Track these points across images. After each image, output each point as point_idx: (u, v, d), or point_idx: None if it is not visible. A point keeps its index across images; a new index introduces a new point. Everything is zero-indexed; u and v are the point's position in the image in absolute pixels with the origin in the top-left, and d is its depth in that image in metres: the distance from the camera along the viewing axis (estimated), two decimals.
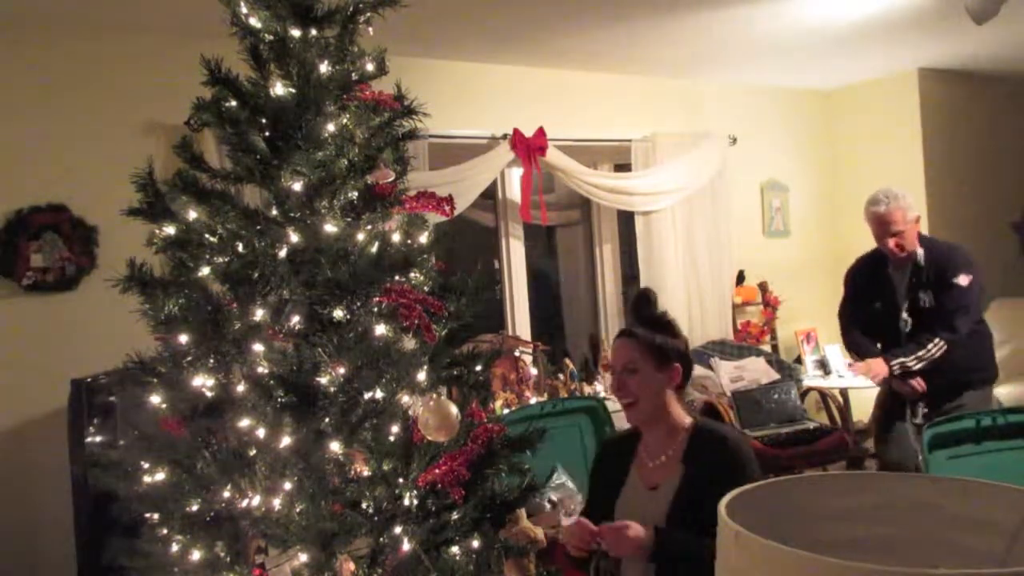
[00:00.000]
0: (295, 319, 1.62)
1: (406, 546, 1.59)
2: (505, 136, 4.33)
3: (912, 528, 1.15)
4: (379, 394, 1.62)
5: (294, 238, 1.64)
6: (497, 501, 1.74)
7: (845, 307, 3.66)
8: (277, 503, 1.58)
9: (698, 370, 4.70)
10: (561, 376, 4.49)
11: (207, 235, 1.67)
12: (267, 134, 1.66)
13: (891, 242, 3.24)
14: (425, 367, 1.71)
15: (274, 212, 1.67)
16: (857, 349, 3.59)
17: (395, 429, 1.64)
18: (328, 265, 1.61)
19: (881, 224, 3.26)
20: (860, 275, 3.55)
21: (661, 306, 2.25)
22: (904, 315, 3.31)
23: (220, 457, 1.64)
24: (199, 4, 2.76)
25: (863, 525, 1.18)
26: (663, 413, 2.13)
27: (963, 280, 3.24)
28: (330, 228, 1.65)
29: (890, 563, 1.07)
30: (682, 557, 1.87)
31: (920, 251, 3.26)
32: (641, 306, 2.25)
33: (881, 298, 3.39)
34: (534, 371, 4.38)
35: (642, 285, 4.90)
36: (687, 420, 2.16)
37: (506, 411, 3.90)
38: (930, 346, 3.24)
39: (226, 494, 1.64)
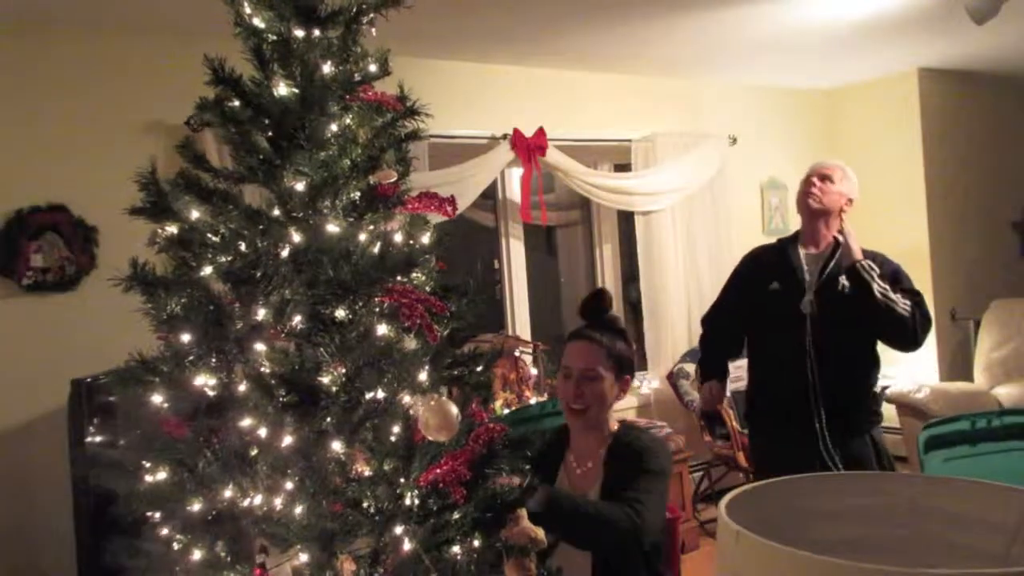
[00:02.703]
0: (297, 319, 1.62)
1: (407, 546, 1.59)
2: (505, 136, 4.34)
3: (912, 528, 1.16)
4: (381, 394, 1.62)
5: (296, 238, 1.64)
6: (498, 501, 1.74)
7: (717, 307, 3.20)
8: (278, 503, 1.58)
9: None
10: None
11: (209, 235, 1.67)
12: (270, 134, 1.66)
13: (816, 181, 2.88)
14: (427, 367, 1.71)
15: (276, 212, 1.67)
16: (706, 366, 3.21)
17: (396, 429, 1.65)
18: (330, 265, 1.61)
19: (815, 168, 2.94)
20: (759, 259, 3.08)
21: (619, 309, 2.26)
22: (808, 296, 2.84)
23: (221, 457, 1.64)
24: (200, 4, 2.77)
25: (863, 525, 1.18)
26: (602, 421, 2.12)
27: (905, 282, 2.85)
28: (332, 228, 1.65)
29: (890, 563, 1.07)
30: (570, 513, 1.90)
31: (841, 237, 2.88)
32: (600, 307, 2.19)
33: (781, 278, 2.92)
34: (534, 371, 4.38)
35: (642, 285, 4.91)
36: (614, 427, 2.15)
37: (506, 411, 3.90)
38: (899, 297, 2.77)
39: (227, 494, 1.64)
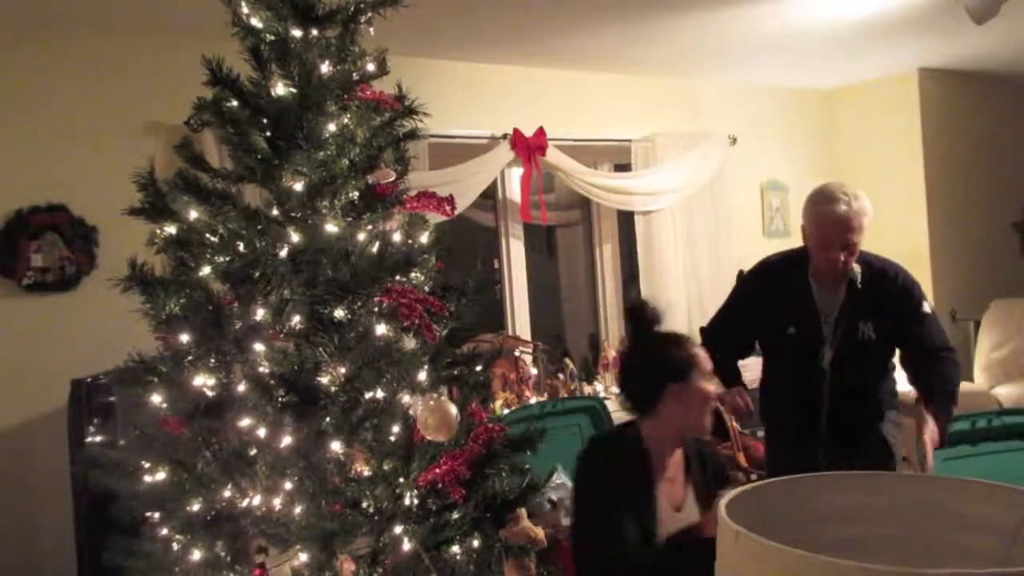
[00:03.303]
0: (296, 319, 1.63)
1: (406, 546, 1.59)
2: (505, 136, 4.33)
3: (912, 528, 1.16)
4: (380, 394, 1.62)
5: (295, 238, 1.64)
6: (498, 501, 1.74)
7: (720, 326, 2.82)
8: (278, 503, 1.58)
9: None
10: (561, 376, 4.50)
11: (208, 235, 1.67)
12: (268, 134, 1.66)
13: (842, 256, 2.47)
14: (426, 367, 1.71)
15: (275, 212, 1.67)
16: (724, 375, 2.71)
17: (396, 429, 1.65)
18: (329, 265, 1.62)
19: (838, 229, 2.46)
20: (771, 287, 2.69)
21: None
22: (827, 348, 2.55)
23: (221, 457, 1.64)
24: (200, 4, 2.77)
25: (863, 525, 1.18)
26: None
27: (928, 308, 2.61)
28: (331, 228, 1.65)
29: (890, 563, 1.07)
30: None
31: (857, 268, 2.52)
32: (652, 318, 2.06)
33: (799, 323, 2.59)
34: (534, 371, 4.38)
35: (642, 285, 4.90)
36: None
37: (506, 411, 3.90)
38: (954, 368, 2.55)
39: (227, 494, 1.64)
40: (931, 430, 2.41)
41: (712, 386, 2.02)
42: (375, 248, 1.70)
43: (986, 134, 5.66)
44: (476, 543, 1.70)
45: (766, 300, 2.67)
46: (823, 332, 2.56)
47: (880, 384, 2.67)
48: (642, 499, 1.91)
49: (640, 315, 2.05)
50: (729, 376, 2.70)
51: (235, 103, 1.66)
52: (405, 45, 3.60)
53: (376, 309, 1.66)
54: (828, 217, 2.47)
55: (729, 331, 2.78)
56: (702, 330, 2.93)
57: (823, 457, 2.58)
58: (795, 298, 2.60)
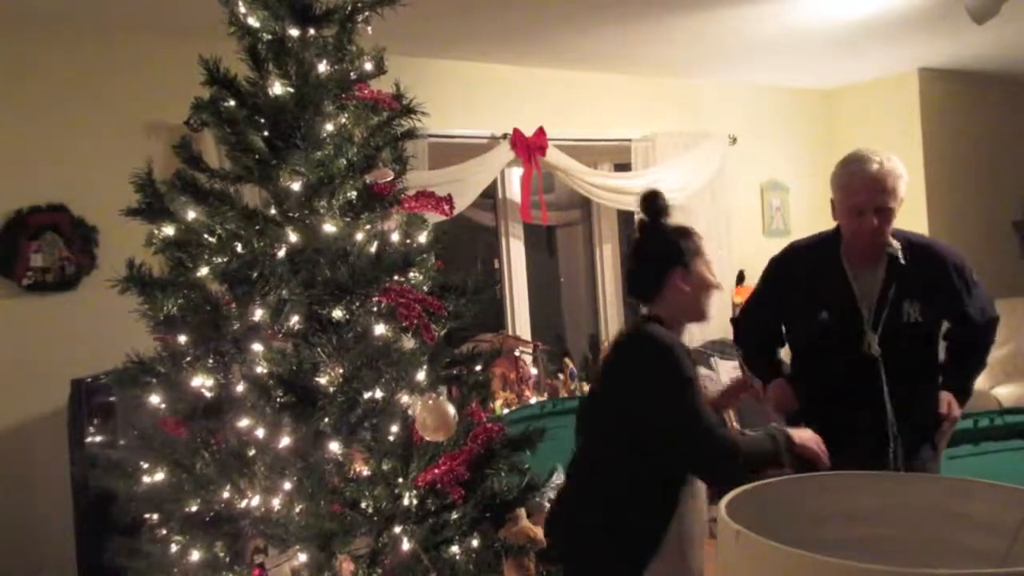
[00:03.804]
0: (294, 319, 1.62)
1: (406, 546, 1.59)
2: (505, 136, 4.33)
3: (912, 528, 1.15)
4: (378, 394, 1.62)
5: (293, 238, 1.64)
6: (497, 501, 1.73)
7: (748, 313, 2.64)
8: (276, 503, 1.58)
9: (698, 370, 4.69)
10: (561, 376, 4.50)
11: (206, 235, 1.67)
12: (266, 134, 1.66)
13: (874, 220, 2.25)
14: (424, 367, 1.71)
15: (273, 212, 1.67)
16: (759, 371, 2.56)
17: (394, 429, 1.64)
18: (327, 265, 1.61)
19: (869, 189, 2.24)
20: (801, 270, 2.46)
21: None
22: (871, 334, 2.30)
23: (219, 457, 1.64)
24: (198, 4, 2.76)
25: (864, 525, 1.18)
26: None
27: (978, 277, 2.42)
28: (329, 228, 1.65)
29: (891, 563, 1.07)
30: None
31: (896, 244, 2.30)
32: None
33: (831, 305, 2.34)
34: (534, 371, 4.38)
35: None
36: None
37: (506, 411, 3.89)
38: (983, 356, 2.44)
39: (225, 494, 1.64)
40: (951, 407, 2.30)
41: (712, 276, 2.10)
42: (373, 248, 1.70)
43: (986, 134, 5.66)
44: (475, 543, 1.69)
45: (795, 285, 2.45)
46: (863, 314, 2.31)
47: (934, 374, 2.42)
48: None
49: (654, 203, 2.13)
50: (767, 368, 2.53)
51: (233, 103, 1.66)
52: (404, 44, 3.60)
53: (374, 309, 1.65)
54: (858, 176, 2.26)
55: (760, 321, 2.58)
56: (733, 321, 2.74)
57: (898, 462, 2.31)
58: (827, 280, 2.37)
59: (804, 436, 1.96)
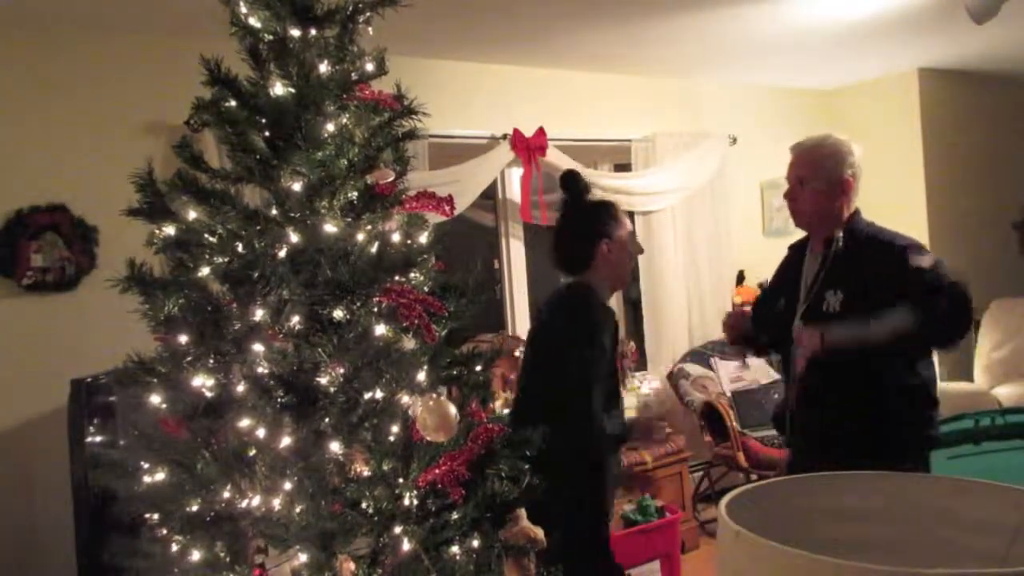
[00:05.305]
0: (295, 319, 1.62)
1: (406, 546, 1.59)
2: (505, 136, 4.33)
3: (913, 528, 1.16)
4: (379, 394, 1.62)
5: (294, 238, 1.64)
6: (497, 501, 1.74)
7: (757, 304, 2.73)
8: (277, 503, 1.58)
9: (698, 370, 4.70)
10: None
11: (207, 235, 1.67)
12: (267, 134, 1.66)
13: (789, 183, 2.35)
14: (425, 367, 1.71)
15: (274, 212, 1.67)
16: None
17: (395, 429, 1.64)
18: (328, 265, 1.61)
19: (789, 170, 2.37)
20: (783, 264, 2.57)
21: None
22: (797, 321, 2.29)
23: (220, 457, 1.64)
24: (199, 4, 2.76)
25: (863, 525, 1.18)
26: None
27: (925, 261, 2.21)
28: (330, 228, 1.65)
29: (890, 563, 1.07)
30: None
31: (840, 233, 2.26)
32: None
33: (787, 293, 2.39)
34: None
35: (642, 285, 4.90)
36: None
37: (506, 411, 3.89)
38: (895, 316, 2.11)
39: (226, 494, 1.64)
40: (809, 338, 2.16)
41: (634, 244, 2.40)
42: (374, 248, 1.70)
43: (986, 134, 5.66)
44: (476, 543, 1.70)
45: (777, 279, 2.55)
46: (796, 302, 2.31)
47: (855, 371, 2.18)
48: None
49: (574, 183, 2.35)
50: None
51: (234, 103, 1.66)
52: (405, 45, 3.60)
53: (375, 309, 1.65)
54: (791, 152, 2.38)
55: (761, 312, 2.58)
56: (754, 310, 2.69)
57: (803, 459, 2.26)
58: (790, 267, 2.46)
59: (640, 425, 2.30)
